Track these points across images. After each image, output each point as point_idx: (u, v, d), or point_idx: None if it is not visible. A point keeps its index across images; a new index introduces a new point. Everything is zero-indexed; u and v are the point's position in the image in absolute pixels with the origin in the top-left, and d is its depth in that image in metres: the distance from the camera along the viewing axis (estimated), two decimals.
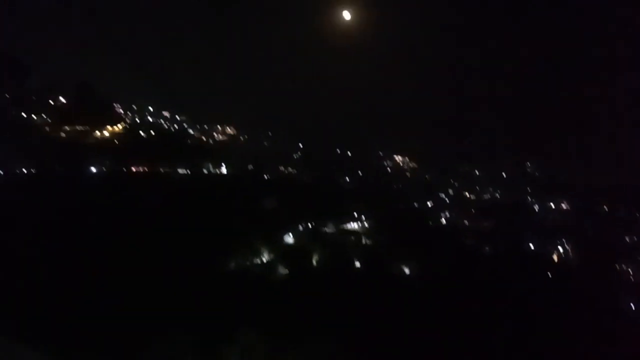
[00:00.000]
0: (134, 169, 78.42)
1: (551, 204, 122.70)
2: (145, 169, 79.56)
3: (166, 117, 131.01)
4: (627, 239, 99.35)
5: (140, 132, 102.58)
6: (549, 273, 77.27)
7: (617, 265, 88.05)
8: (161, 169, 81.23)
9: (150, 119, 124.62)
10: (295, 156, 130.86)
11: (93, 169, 70.79)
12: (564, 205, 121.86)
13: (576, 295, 63.27)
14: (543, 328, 48.30)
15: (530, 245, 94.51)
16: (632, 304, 73.32)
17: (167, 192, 65.35)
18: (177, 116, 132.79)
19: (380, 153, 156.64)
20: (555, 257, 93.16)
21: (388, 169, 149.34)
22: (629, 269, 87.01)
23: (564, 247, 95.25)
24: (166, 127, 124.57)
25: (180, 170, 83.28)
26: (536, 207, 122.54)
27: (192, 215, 57.28)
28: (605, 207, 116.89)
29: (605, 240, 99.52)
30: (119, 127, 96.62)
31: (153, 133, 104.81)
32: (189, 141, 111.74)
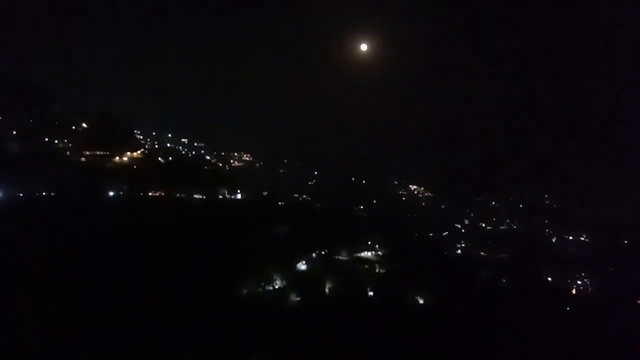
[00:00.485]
0: (151, 194, 79.62)
1: (569, 236, 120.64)
2: (162, 193, 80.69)
3: (184, 143, 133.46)
4: None
5: (159, 157, 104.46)
6: (567, 307, 75.39)
7: (637, 300, 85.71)
8: (177, 194, 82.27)
9: (169, 145, 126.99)
10: (310, 183, 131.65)
11: (111, 193, 72.10)
12: (582, 238, 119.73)
13: (595, 330, 61.46)
14: None
15: (548, 278, 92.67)
16: None
17: (183, 217, 66.08)
18: (195, 143, 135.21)
19: (396, 182, 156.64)
20: (573, 291, 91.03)
21: (403, 197, 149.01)
22: None
23: (582, 281, 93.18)
24: (184, 153, 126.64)
25: (196, 195, 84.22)
26: (554, 240, 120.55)
27: (207, 240, 57.67)
28: (625, 241, 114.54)
29: (625, 274, 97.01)
30: (138, 153, 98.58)
31: (171, 159, 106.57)
32: (205, 167, 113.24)
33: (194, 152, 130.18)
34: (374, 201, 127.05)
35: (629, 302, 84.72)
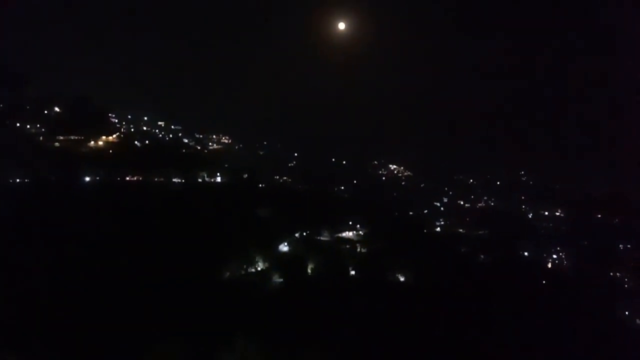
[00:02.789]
0: (128, 178, 78.21)
1: (545, 212, 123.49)
2: (140, 178, 79.35)
3: (161, 126, 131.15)
4: (621, 246, 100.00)
5: (135, 141, 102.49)
6: (543, 280, 77.56)
7: (611, 273, 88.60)
8: (155, 178, 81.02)
9: (145, 129, 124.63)
10: (290, 165, 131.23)
11: (87, 178, 70.52)
12: (558, 213, 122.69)
13: (571, 302, 63.48)
14: (538, 334, 48.38)
15: (525, 252, 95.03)
16: (626, 311, 73.70)
17: (162, 201, 65.20)
18: (172, 126, 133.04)
19: (376, 162, 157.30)
20: (549, 265, 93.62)
21: (383, 177, 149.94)
22: (623, 276, 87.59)
23: (558, 255, 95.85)
24: (161, 136, 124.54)
25: (175, 179, 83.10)
26: (530, 215, 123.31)
27: (187, 224, 57.15)
28: (599, 215, 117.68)
29: (599, 247, 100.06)
30: (113, 137, 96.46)
31: (148, 142, 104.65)
32: (183, 150, 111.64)
33: (171, 135, 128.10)
34: (355, 181, 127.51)
35: (602, 275, 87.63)
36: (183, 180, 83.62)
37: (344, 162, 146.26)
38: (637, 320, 72.40)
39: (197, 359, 32.27)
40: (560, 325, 52.23)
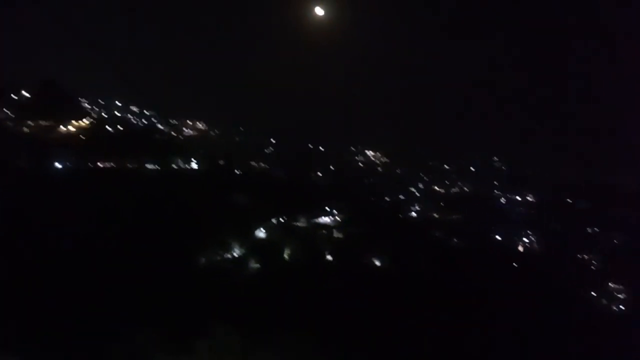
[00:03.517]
0: (100, 165, 76.54)
1: (517, 197, 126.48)
2: (112, 164, 77.73)
3: (134, 111, 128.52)
4: (589, 230, 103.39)
5: (107, 127, 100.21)
6: (514, 263, 79.81)
7: (579, 256, 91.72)
8: (129, 165, 79.52)
9: (118, 114, 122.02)
10: (267, 151, 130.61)
11: (58, 165, 68.74)
12: (529, 198, 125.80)
13: (540, 285, 65.57)
14: (508, 315, 49.84)
15: (497, 236, 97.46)
16: (593, 293, 76.67)
17: (135, 188, 64.10)
18: (145, 111, 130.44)
19: (352, 148, 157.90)
20: (520, 248, 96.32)
21: (360, 163, 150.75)
22: (590, 259, 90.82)
23: (528, 239, 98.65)
24: (134, 122, 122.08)
25: (149, 166, 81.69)
26: (503, 200, 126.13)
27: (162, 211, 56.45)
28: (568, 200, 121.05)
29: (568, 231, 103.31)
30: (84, 122, 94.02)
31: (120, 128, 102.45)
32: (157, 136, 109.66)
33: (144, 121, 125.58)
34: (332, 167, 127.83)
35: (572, 257, 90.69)
36: (157, 167, 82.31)
37: (321, 148, 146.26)
38: (604, 301, 75.51)
39: (172, 347, 32.24)
40: (529, 306, 53.91)
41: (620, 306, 74.30)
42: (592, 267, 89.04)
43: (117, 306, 34.20)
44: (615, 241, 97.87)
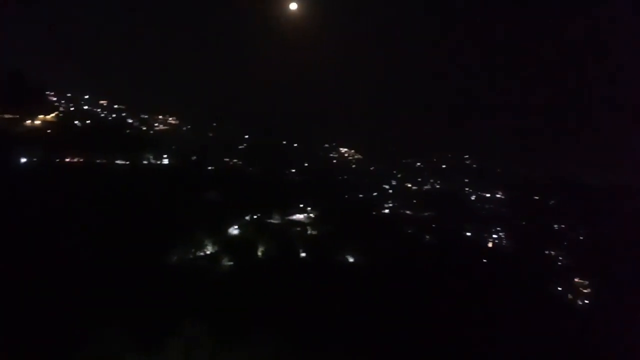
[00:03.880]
0: (68, 160, 74.34)
1: (487, 194, 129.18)
2: (81, 160, 75.63)
3: (103, 105, 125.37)
4: (556, 226, 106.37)
5: (76, 121, 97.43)
6: (484, 259, 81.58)
7: (546, 251, 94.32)
8: (98, 160, 77.54)
9: (86, 108, 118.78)
10: (240, 147, 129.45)
11: (23, 160, 66.41)
12: (498, 195, 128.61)
13: (509, 279, 67.21)
14: (477, 309, 50.90)
15: (468, 233, 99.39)
16: (558, 287, 79.05)
17: (104, 184, 62.54)
18: (115, 105, 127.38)
19: (327, 145, 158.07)
20: (490, 244, 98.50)
21: (334, 160, 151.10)
22: (557, 255, 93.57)
23: (498, 235, 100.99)
24: (103, 116, 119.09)
25: (119, 162, 79.94)
26: (473, 197, 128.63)
27: (133, 207, 55.31)
28: (536, 197, 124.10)
29: (536, 228, 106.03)
30: (52, 116, 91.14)
31: (89, 122, 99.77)
32: (127, 131, 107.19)
33: (114, 115, 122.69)
34: (306, 164, 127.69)
35: (539, 252, 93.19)
36: (127, 162, 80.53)
37: (295, 145, 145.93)
38: (569, 296, 77.92)
39: (143, 347, 31.66)
40: (498, 300, 55.16)
41: (585, 300, 76.81)
42: (559, 262, 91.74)
43: (86, 305, 33.39)
44: (581, 237, 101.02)
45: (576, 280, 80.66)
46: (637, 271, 74.32)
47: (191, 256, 53.39)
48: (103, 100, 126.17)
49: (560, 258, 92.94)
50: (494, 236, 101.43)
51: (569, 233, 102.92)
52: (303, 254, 61.95)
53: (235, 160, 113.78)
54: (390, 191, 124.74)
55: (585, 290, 78.66)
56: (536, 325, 52.49)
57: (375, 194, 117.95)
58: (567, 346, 49.08)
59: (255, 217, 71.14)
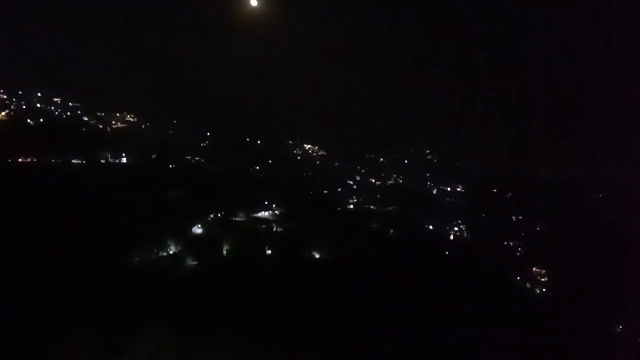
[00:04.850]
0: (20, 160, 71.18)
1: (448, 188, 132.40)
2: (34, 160, 72.57)
3: (57, 103, 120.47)
4: (514, 218, 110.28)
5: (28, 119, 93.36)
6: (446, 251, 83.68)
7: (504, 242, 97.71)
8: (52, 160, 74.59)
9: (39, 106, 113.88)
10: (202, 145, 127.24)
11: None
12: (459, 189, 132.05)
13: (469, 270, 69.22)
14: (440, 299, 52.20)
15: (430, 226, 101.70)
16: (517, 276, 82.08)
17: (60, 185, 60.19)
18: (69, 103, 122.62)
19: (290, 142, 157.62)
20: (451, 236, 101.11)
21: (298, 157, 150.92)
22: (515, 246, 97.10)
23: (459, 227, 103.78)
24: (57, 114, 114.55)
25: (75, 161, 77.14)
26: (435, 191, 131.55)
27: (89, 208, 53.58)
28: (494, 190, 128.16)
29: (495, 220, 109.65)
30: (2, 115, 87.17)
31: (42, 120, 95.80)
32: (83, 129, 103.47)
33: (69, 113, 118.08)
34: (270, 161, 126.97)
35: (498, 244, 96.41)
36: (83, 162, 77.85)
37: (259, 142, 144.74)
38: (527, 284, 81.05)
39: (104, 350, 30.84)
40: (459, 290, 56.73)
41: (543, 288, 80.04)
42: (517, 252, 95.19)
43: (44, 310, 32.23)
44: (537, 228, 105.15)
45: (534, 269, 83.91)
46: (590, 259, 78.14)
47: (153, 257, 52.19)
48: (57, 97, 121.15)
49: (519, 249, 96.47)
50: (455, 229, 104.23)
51: (526, 224, 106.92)
52: (269, 252, 61.63)
53: (197, 158, 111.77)
54: (355, 187, 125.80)
55: (542, 279, 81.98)
56: (496, 313, 54.38)
57: (339, 189, 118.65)
58: (525, 332, 50.99)
59: (219, 215, 70.15)
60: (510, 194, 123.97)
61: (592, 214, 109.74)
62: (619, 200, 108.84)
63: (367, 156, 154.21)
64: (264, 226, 71.62)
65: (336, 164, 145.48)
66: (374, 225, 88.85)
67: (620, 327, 60.47)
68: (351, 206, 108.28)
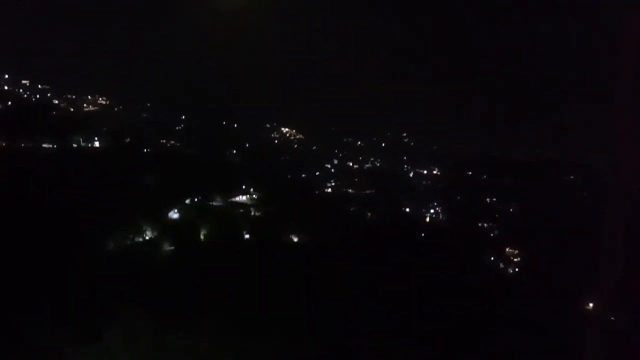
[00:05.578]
0: None
1: (424, 171, 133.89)
2: (3, 144, 70.47)
3: (26, 85, 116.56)
4: (488, 200, 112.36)
5: None
6: (422, 233, 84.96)
7: (479, 224, 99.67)
8: (22, 144, 72.56)
9: (6, 88, 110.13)
10: (178, 128, 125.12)
11: None
12: (435, 172, 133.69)
13: (445, 251, 70.57)
14: (417, 281, 53.10)
15: (407, 209, 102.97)
16: (491, 257, 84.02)
17: (31, 170, 58.67)
18: (38, 85, 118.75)
19: (268, 125, 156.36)
20: (427, 219, 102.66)
21: (276, 141, 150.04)
22: (490, 227, 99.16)
23: (435, 210, 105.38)
24: (26, 97, 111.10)
25: (46, 145, 75.18)
26: (411, 175, 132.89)
27: (62, 194, 52.38)
28: (469, 173, 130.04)
29: (470, 202, 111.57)
30: None
31: (10, 104, 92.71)
32: (54, 112, 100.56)
33: (38, 96, 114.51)
34: (247, 145, 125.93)
35: (473, 225, 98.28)
36: (55, 146, 75.95)
37: (235, 125, 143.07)
38: (501, 265, 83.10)
39: (82, 338, 30.45)
40: (435, 271, 57.83)
41: (516, 268, 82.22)
42: (491, 234, 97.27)
43: (19, 299, 31.60)
44: (511, 210, 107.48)
45: (507, 250, 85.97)
46: (562, 240, 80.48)
47: (129, 242, 51.62)
48: (25, 80, 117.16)
49: (493, 230, 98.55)
50: (431, 211, 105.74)
51: (500, 206, 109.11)
52: (247, 236, 61.56)
53: (172, 142, 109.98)
54: (333, 170, 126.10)
55: (515, 259, 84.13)
56: (471, 292, 55.71)
57: (317, 173, 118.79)
58: (499, 311, 52.47)
59: (196, 200, 69.57)
60: (484, 176, 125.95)
61: (563, 195, 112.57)
62: (590, 182, 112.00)
63: (345, 140, 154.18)
64: (241, 210, 71.47)
65: (314, 148, 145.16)
66: (352, 209, 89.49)
67: (591, 305, 62.65)
68: (329, 190, 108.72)
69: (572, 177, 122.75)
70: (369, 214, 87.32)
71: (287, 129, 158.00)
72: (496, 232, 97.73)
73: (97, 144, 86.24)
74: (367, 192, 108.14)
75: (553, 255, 77.46)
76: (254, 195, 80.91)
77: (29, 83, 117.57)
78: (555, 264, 74.38)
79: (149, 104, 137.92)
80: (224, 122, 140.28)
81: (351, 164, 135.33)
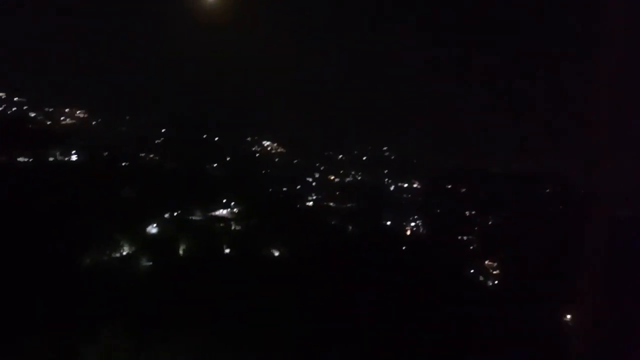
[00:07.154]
0: None
1: (404, 184, 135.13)
2: None
3: (1, 98, 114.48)
4: (467, 213, 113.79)
5: None
6: (403, 246, 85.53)
7: (459, 237, 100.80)
8: None
9: None
10: (157, 141, 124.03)
11: None
12: (415, 185, 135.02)
13: (425, 264, 71.10)
14: (397, 294, 53.32)
15: (388, 222, 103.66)
16: (471, 269, 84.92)
17: (6, 184, 57.39)
18: (14, 98, 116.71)
19: (248, 138, 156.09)
20: (408, 232, 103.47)
21: (256, 154, 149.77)
22: (470, 239, 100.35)
23: (415, 223, 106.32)
24: (1, 109, 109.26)
25: (21, 159, 73.78)
26: (392, 188, 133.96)
27: (37, 208, 51.34)
28: (448, 185, 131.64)
29: (449, 215, 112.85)
30: None
31: None
32: (30, 126, 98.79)
33: (14, 109, 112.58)
34: (227, 158, 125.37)
35: (453, 238, 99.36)
36: (30, 160, 74.56)
37: (216, 139, 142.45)
38: (480, 277, 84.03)
39: (56, 357, 29.76)
40: (416, 284, 58.18)
41: (495, 281, 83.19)
42: (471, 247, 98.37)
43: None
44: (489, 222, 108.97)
45: (486, 262, 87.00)
46: (542, 252, 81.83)
47: (105, 257, 50.69)
48: (0, 92, 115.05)
49: (474, 242, 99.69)
50: (412, 224, 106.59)
51: (479, 219, 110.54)
52: (227, 250, 61.07)
53: (151, 156, 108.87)
54: (314, 184, 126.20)
55: (494, 272, 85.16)
56: (452, 307, 56.09)
57: (299, 187, 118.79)
58: (478, 323, 52.89)
59: (175, 214, 68.80)
60: (464, 189, 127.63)
61: (540, 208, 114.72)
62: (566, 195, 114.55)
63: (326, 153, 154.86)
64: (221, 225, 70.89)
65: (295, 161, 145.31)
66: (333, 222, 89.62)
67: (569, 316, 63.63)
68: (310, 203, 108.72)
69: (547, 190, 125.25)
70: (350, 227, 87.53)
71: (268, 143, 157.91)
72: (475, 245, 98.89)
73: (74, 157, 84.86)
74: (349, 205, 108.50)
75: (532, 267, 78.71)
76: (235, 209, 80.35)
77: (5, 96, 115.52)
78: (534, 276, 75.52)
79: (127, 117, 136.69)
80: (205, 136, 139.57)
81: (332, 178, 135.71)
